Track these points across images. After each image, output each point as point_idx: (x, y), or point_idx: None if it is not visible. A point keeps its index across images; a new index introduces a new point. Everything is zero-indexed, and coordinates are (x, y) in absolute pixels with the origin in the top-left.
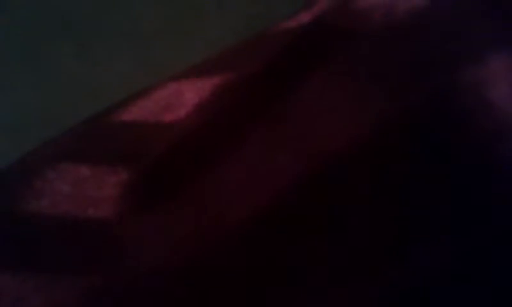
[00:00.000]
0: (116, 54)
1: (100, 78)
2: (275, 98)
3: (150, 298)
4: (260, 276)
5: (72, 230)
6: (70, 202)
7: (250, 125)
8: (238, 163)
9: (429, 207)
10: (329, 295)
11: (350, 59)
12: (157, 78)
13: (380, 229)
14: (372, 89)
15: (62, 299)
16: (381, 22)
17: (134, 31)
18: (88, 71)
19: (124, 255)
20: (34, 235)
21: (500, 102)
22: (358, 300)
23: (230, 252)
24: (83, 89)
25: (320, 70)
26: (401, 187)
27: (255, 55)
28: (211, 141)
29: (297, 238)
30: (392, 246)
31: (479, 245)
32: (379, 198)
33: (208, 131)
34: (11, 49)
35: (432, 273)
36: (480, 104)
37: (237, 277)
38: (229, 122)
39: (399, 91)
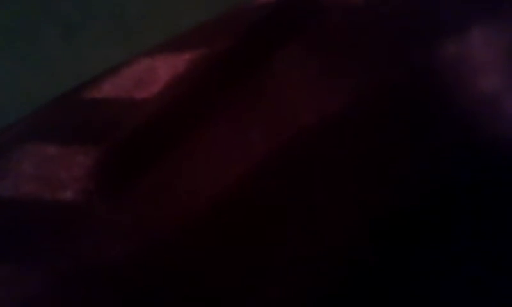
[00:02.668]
0: (103, 37)
1: (86, 61)
2: (248, 72)
3: (118, 285)
4: (231, 259)
5: (37, 213)
6: (35, 183)
7: (222, 100)
8: (209, 140)
9: (403, 185)
10: (292, 277)
11: (325, 32)
12: None
13: (350, 208)
14: (347, 64)
15: (26, 290)
16: None
17: (121, 13)
18: (73, 54)
19: (92, 240)
20: None
21: (480, 76)
22: (321, 282)
23: (199, 235)
24: (69, 72)
25: (294, 43)
26: (374, 163)
27: (229, 30)
28: (182, 118)
29: (267, 217)
30: (360, 225)
31: (462, 230)
32: (350, 175)
33: (179, 108)
34: None
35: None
36: (460, 79)
37: (207, 261)
38: (200, 99)
39: (375, 66)
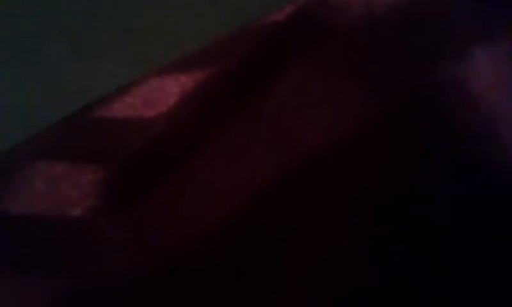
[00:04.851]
0: (109, 51)
1: (92, 76)
2: (253, 93)
3: (119, 303)
4: (236, 275)
5: (46, 230)
6: (45, 201)
7: (229, 121)
8: (216, 160)
9: (408, 210)
10: (296, 295)
11: (329, 54)
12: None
13: (353, 229)
14: (351, 86)
15: (24, 304)
16: (361, 16)
17: (128, 27)
18: (80, 69)
19: (96, 258)
20: (7, 235)
21: (484, 95)
22: (324, 300)
23: (203, 255)
24: (75, 87)
25: (298, 64)
26: (378, 187)
27: (237, 50)
28: (188, 139)
29: (272, 236)
30: (365, 246)
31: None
32: (354, 198)
33: (185, 129)
34: (1, 46)
35: (408, 273)
36: (462, 100)
37: (211, 281)
38: (208, 119)
39: (378, 88)
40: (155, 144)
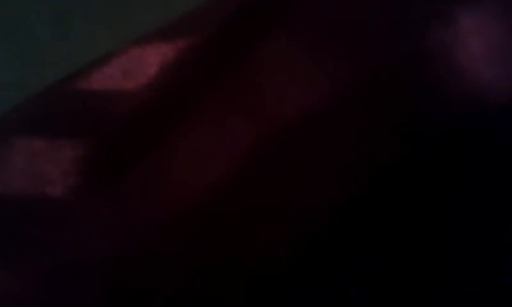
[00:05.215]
0: (94, 22)
1: (77, 47)
2: (235, 62)
3: (103, 282)
4: (218, 253)
5: (26, 210)
6: (24, 178)
7: (210, 92)
8: (195, 134)
9: (391, 179)
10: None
11: (311, 19)
12: None
13: (331, 199)
14: (333, 52)
15: (5, 288)
16: None
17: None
18: (64, 40)
19: (78, 237)
20: None
21: (471, 63)
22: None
23: (186, 230)
24: (59, 59)
25: (281, 31)
26: (359, 154)
27: (219, 17)
28: (169, 111)
29: (252, 211)
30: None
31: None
32: (335, 167)
33: (166, 101)
34: None
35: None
36: (450, 67)
37: (194, 256)
38: (189, 90)
39: (362, 55)
40: (135, 119)
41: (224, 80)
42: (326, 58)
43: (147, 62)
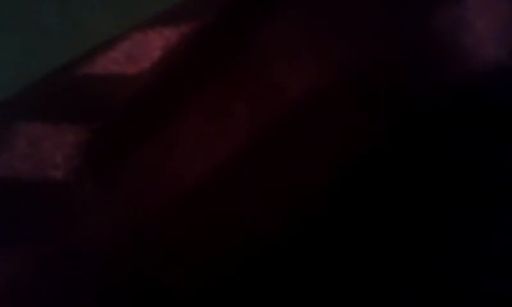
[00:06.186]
0: (100, 5)
1: (82, 30)
2: (233, 46)
3: (104, 267)
4: (218, 238)
5: (28, 193)
6: (27, 163)
7: (210, 77)
8: (197, 118)
9: (392, 162)
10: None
11: (313, 3)
12: None
13: (335, 178)
14: (335, 35)
15: (9, 270)
16: None
17: None
18: (69, 23)
19: (79, 222)
20: None
21: (477, 42)
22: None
23: (187, 214)
24: (65, 42)
25: (285, 11)
26: (361, 140)
27: (221, 1)
28: (171, 96)
29: (253, 195)
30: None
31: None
32: (335, 152)
33: (169, 86)
34: None
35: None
36: (456, 48)
37: (194, 240)
38: (191, 75)
39: (366, 39)
40: (137, 103)
41: (225, 65)
42: (327, 42)
43: (150, 47)
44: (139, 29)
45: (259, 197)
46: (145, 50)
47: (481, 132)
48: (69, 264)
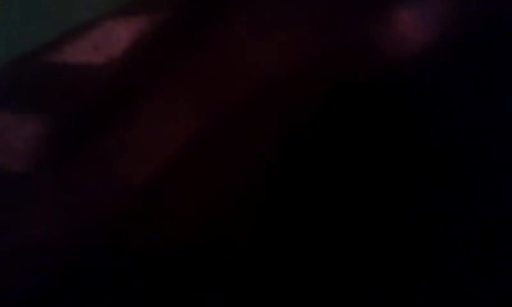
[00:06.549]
0: None
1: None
2: (187, 44)
3: (57, 262)
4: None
5: None
6: None
7: (162, 73)
8: (149, 112)
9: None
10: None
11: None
12: None
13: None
14: (286, 31)
15: None
16: None
17: None
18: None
19: (35, 217)
20: None
21: (404, 31)
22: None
23: (139, 209)
24: (51, 19)
25: (236, 12)
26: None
27: None
28: (138, 86)
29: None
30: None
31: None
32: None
33: (136, 76)
34: None
35: None
36: (386, 43)
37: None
38: (158, 64)
39: (314, 32)
40: (97, 96)
41: (175, 64)
42: (277, 37)
43: (118, 36)
44: (109, 16)
45: (213, 185)
46: (113, 39)
47: (408, 113)
48: (25, 254)
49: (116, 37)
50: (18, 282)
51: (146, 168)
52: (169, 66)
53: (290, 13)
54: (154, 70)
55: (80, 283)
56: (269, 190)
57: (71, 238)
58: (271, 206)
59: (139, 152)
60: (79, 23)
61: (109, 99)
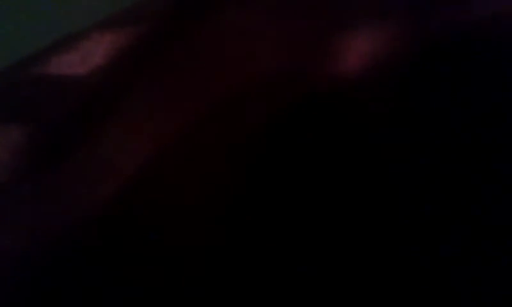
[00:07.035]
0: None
1: (69, 12)
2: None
3: (34, 276)
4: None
5: None
6: None
7: (157, 76)
8: (134, 125)
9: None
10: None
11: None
12: None
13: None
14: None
15: None
16: None
17: None
18: (57, 4)
19: (15, 229)
20: None
21: (354, 39)
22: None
23: (103, 227)
24: (51, 23)
25: (215, 26)
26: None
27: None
28: (109, 99)
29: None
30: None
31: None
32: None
33: (114, 89)
34: None
35: None
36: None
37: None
38: (136, 78)
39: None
40: (80, 108)
41: (162, 74)
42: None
43: (103, 49)
44: (96, 28)
45: (198, 184)
46: (99, 51)
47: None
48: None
49: (102, 49)
50: None
51: (129, 177)
52: (155, 77)
53: (277, 17)
54: (141, 82)
55: (52, 291)
56: (252, 190)
57: (53, 246)
58: (258, 204)
59: (123, 162)
60: (65, 35)
61: (94, 110)
